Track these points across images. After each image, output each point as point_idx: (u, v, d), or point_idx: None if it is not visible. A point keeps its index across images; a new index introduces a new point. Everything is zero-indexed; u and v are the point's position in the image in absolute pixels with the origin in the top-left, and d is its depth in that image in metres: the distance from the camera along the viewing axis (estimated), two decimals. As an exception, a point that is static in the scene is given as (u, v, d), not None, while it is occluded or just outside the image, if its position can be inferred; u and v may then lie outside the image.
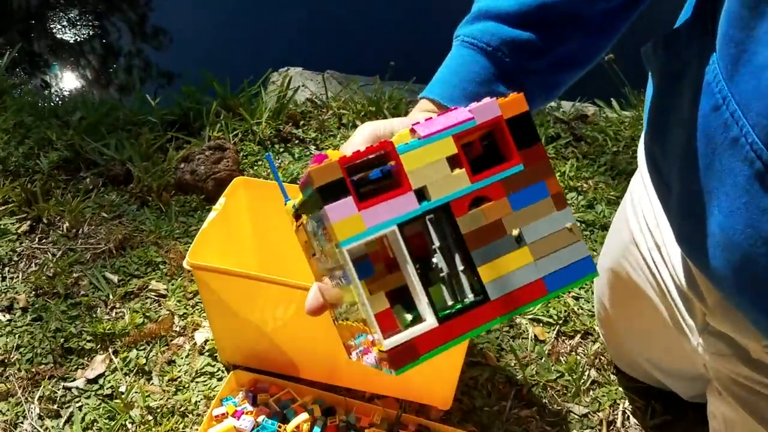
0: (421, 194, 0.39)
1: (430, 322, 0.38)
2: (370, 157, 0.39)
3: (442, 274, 0.40)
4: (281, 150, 1.58)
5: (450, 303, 0.39)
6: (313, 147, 1.59)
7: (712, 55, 0.56)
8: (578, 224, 1.35)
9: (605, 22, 0.65)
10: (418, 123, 0.41)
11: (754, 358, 0.71)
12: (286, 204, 0.48)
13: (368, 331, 0.39)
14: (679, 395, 1.04)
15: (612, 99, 1.74)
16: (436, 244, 0.40)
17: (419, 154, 0.39)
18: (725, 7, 0.52)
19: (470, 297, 0.39)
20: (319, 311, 0.47)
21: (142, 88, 2.90)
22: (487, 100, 0.42)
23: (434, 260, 0.40)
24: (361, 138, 0.49)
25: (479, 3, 0.64)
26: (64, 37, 3.12)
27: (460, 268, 0.39)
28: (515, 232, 0.40)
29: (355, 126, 1.63)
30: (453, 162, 0.40)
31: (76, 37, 3.13)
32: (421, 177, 0.39)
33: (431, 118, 0.42)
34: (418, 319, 0.39)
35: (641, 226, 0.87)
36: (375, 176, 0.39)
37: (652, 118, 0.71)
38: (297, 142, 1.61)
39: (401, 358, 0.37)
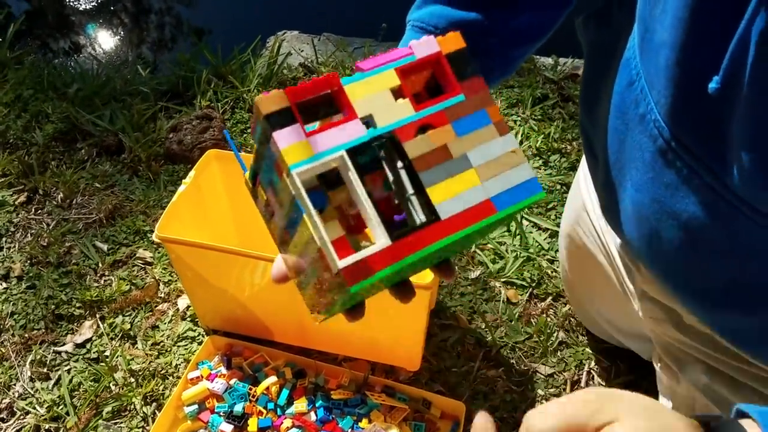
0: (368, 122, 0.41)
1: (383, 241, 0.39)
2: (318, 92, 0.40)
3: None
4: (271, 116, 1.60)
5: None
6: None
7: (633, 33, 0.57)
8: (559, 186, 1.35)
9: None
10: (362, 60, 0.43)
11: (686, 324, 0.72)
12: (245, 174, 0.50)
13: (324, 269, 0.40)
14: (640, 356, 1.06)
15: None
16: (389, 174, 0.41)
17: (363, 85, 0.41)
18: None
19: (421, 217, 0.40)
20: (284, 279, 0.50)
21: (173, 47, 2.93)
22: (426, 37, 0.44)
23: (394, 187, 0.41)
24: None
25: None
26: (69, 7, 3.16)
27: (410, 191, 0.41)
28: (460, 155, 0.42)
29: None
30: (397, 93, 0.42)
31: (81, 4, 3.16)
32: (367, 106, 0.41)
33: (373, 55, 0.44)
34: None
35: (590, 193, 0.88)
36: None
37: (583, 89, 0.71)
38: (287, 108, 1.63)
39: (356, 275, 0.38)
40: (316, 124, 0.42)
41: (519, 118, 1.51)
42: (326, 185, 0.40)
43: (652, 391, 1.05)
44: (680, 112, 0.51)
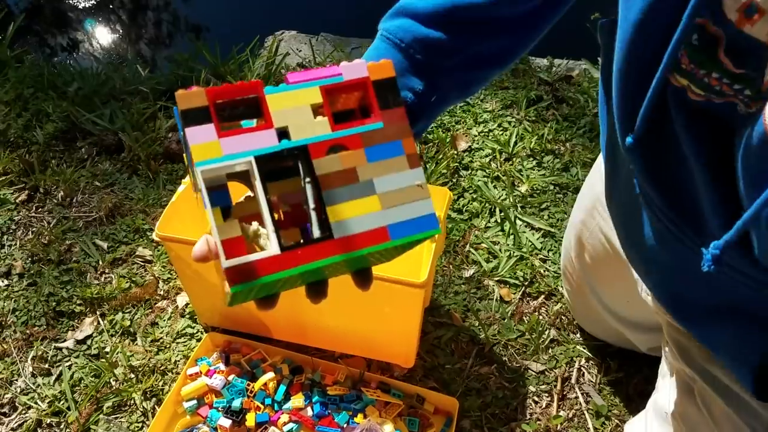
0: (283, 134, 0.42)
1: (273, 249, 0.40)
2: (241, 95, 0.42)
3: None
4: (269, 116, 1.62)
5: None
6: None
7: None
8: (552, 187, 1.37)
9: (520, 24, 0.66)
10: (291, 72, 0.44)
11: None
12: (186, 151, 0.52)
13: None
14: (636, 351, 1.08)
15: (599, 57, 1.73)
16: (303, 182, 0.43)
17: (285, 97, 0.42)
18: None
19: (316, 233, 0.42)
20: (204, 259, 0.50)
21: (166, 45, 2.94)
22: (358, 61, 0.46)
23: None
24: None
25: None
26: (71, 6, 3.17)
27: (311, 206, 0.42)
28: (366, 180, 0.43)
29: (340, 91, 1.66)
30: (317, 110, 0.43)
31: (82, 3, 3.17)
32: (284, 118, 0.42)
33: (306, 69, 0.45)
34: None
35: None
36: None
37: (600, 87, 0.74)
38: (284, 108, 1.65)
39: (239, 276, 0.39)
40: (254, 122, 0.43)
41: (513, 119, 1.54)
42: (269, 177, 0.41)
43: (642, 388, 1.08)
44: (629, 153, 0.55)
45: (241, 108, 0.42)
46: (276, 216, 0.42)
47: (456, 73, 0.65)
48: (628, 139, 0.51)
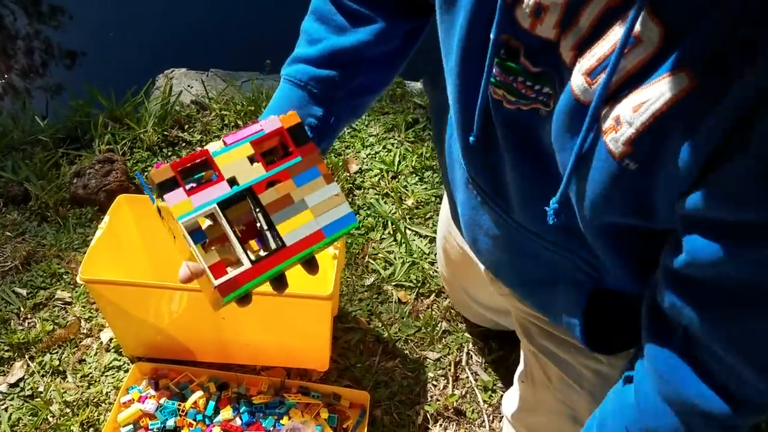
0: (232, 182, 0.59)
1: (246, 264, 0.57)
2: (194, 161, 0.58)
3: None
4: (170, 154, 1.72)
5: (261, 252, 0.60)
6: (200, 149, 1.74)
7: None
8: (434, 198, 1.56)
9: (387, 61, 0.84)
10: (227, 135, 0.61)
11: None
12: (153, 204, 0.66)
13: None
14: (510, 332, 1.28)
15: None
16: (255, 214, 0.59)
17: (228, 156, 0.60)
18: None
19: (272, 246, 0.59)
20: (189, 280, 0.63)
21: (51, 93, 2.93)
22: (271, 117, 0.63)
23: (258, 224, 0.59)
24: None
25: (295, 51, 0.83)
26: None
27: (265, 227, 0.59)
28: (299, 200, 0.61)
29: (236, 126, 1.78)
30: (252, 159, 0.60)
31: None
32: (231, 170, 0.59)
33: (236, 131, 0.62)
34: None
35: None
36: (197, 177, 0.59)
37: (433, 134, 0.92)
38: (184, 145, 1.75)
39: (227, 288, 0.56)
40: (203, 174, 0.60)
41: (396, 141, 1.72)
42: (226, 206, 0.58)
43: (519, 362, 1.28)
44: (466, 158, 0.72)
45: (197, 170, 0.58)
46: (237, 233, 0.58)
47: (346, 100, 0.82)
48: (471, 138, 0.65)
